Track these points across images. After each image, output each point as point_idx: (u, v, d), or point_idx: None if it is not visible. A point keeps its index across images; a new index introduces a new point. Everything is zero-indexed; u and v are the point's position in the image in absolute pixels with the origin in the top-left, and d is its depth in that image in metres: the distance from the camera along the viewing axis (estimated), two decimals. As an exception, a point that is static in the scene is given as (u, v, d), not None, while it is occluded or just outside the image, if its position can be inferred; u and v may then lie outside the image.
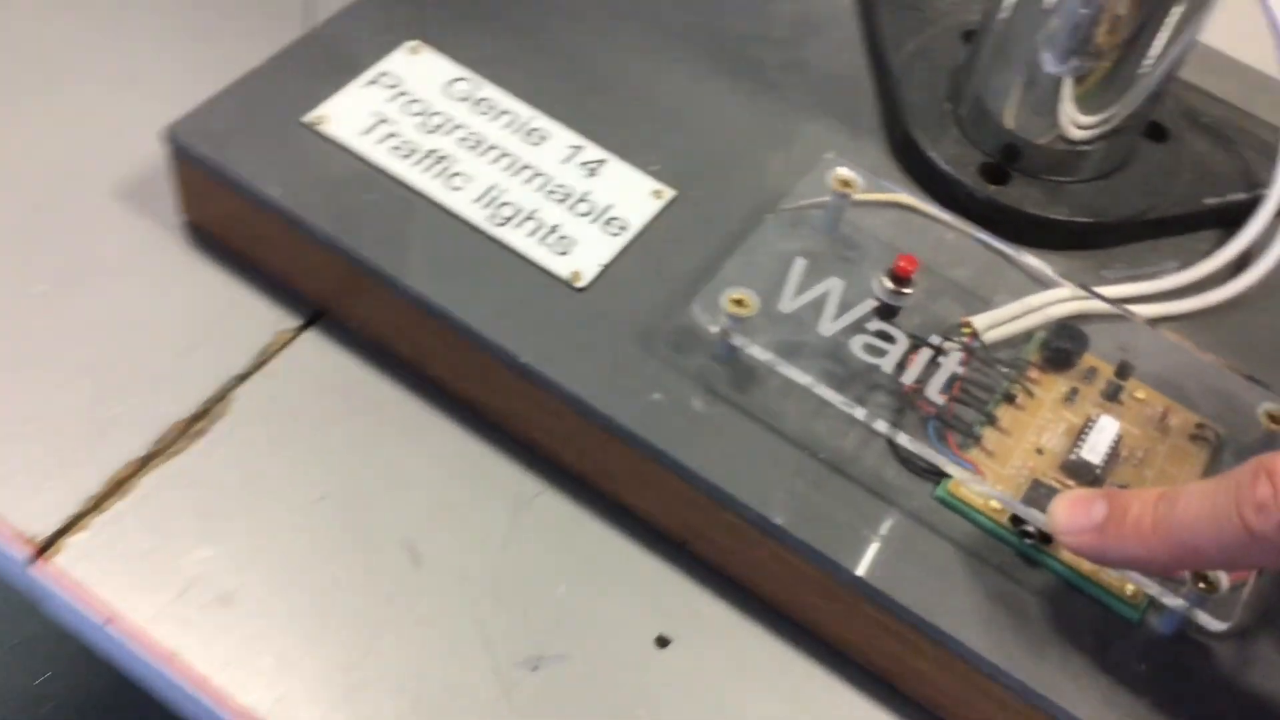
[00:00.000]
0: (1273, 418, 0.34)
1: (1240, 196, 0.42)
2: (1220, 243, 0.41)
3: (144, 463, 0.35)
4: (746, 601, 0.35)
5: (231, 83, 0.39)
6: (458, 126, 0.39)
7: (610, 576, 0.35)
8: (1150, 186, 0.41)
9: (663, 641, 0.34)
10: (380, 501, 0.35)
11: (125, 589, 0.33)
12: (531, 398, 0.35)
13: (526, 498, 0.36)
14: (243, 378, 0.37)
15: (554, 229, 0.37)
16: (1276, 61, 0.40)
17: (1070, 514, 0.30)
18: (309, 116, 0.38)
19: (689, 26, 0.44)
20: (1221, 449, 0.35)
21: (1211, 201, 0.41)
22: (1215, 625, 0.30)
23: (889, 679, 0.34)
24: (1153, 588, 0.31)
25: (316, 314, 0.39)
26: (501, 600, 0.34)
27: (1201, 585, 0.30)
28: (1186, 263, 0.40)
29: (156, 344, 0.37)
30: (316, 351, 0.38)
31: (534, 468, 0.36)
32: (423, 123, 0.39)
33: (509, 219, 0.37)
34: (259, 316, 0.38)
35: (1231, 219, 0.41)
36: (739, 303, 0.34)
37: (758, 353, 0.34)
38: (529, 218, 0.37)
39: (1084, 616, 0.32)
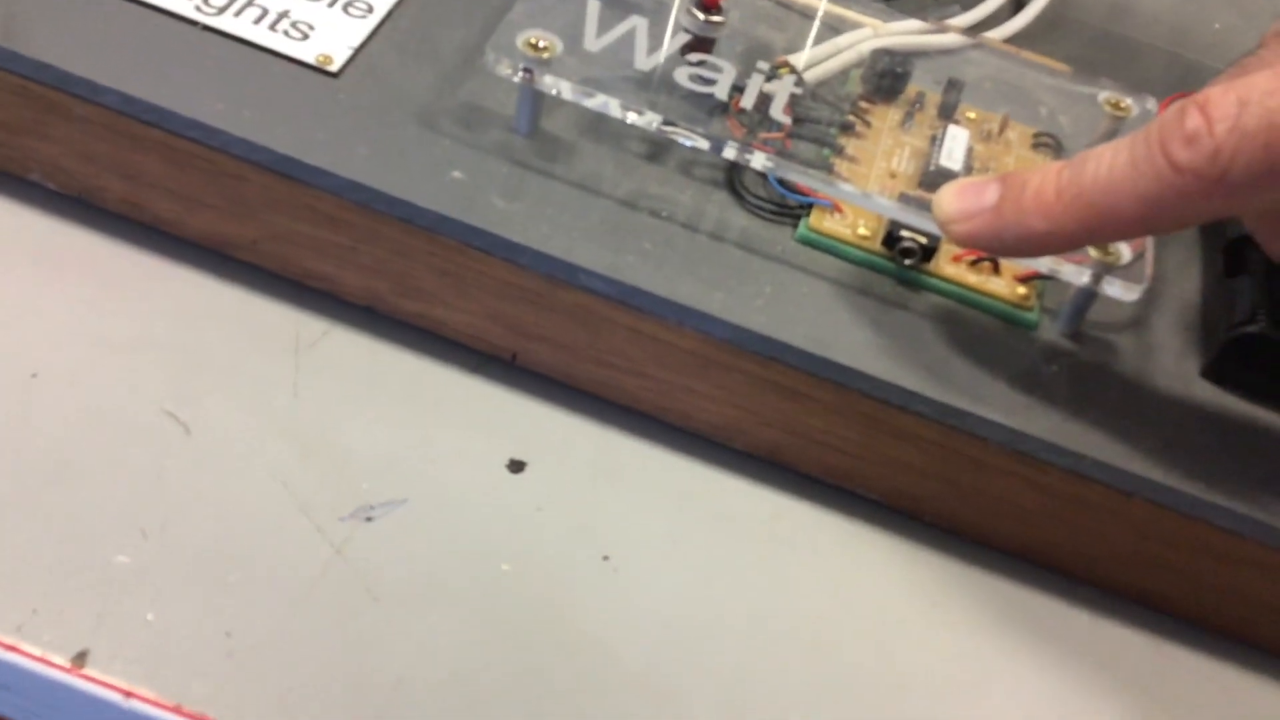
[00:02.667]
0: (1114, 105, 0.32)
1: (1004, -64, 0.40)
2: (995, -15, 0.39)
3: None
4: (601, 408, 0.29)
5: None
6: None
7: (435, 408, 0.28)
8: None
9: (516, 465, 0.28)
10: (119, 375, 0.27)
11: None
12: (296, 206, 0.28)
13: (310, 340, 0.29)
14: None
15: (283, 15, 0.30)
16: None
17: (960, 199, 0.26)
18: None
19: None
20: (1063, 150, 0.32)
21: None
22: (1128, 294, 0.27)
23: (780, 456, 0.29)
24: (1056, 266, 0.27)
25: (-16, 165, 0.30)
26: (308, 455, 0.27)
27: (1105, 256, 0.27)
28: (968, 3, 0.38)
29: None
30: (-6, 211, 0.29)
31: (310, 306, 0.29)
32: (87, -87, 0.31)
33: (223, 9, 0.30)
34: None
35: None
36: (536, 46, 0.28)
37: (573, 94, 0.28)
38: (248, 5, 0.30)
39: (980, 331, 0.29)
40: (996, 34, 0.37)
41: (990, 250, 0.28)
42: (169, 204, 0.29)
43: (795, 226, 0.29)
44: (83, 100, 0.28)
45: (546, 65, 0.28)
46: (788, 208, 0.30)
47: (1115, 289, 0.27)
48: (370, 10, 0.31)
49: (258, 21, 0.30)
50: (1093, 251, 0.27)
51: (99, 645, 0.22)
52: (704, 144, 0.28)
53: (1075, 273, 0.27)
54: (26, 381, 0.26)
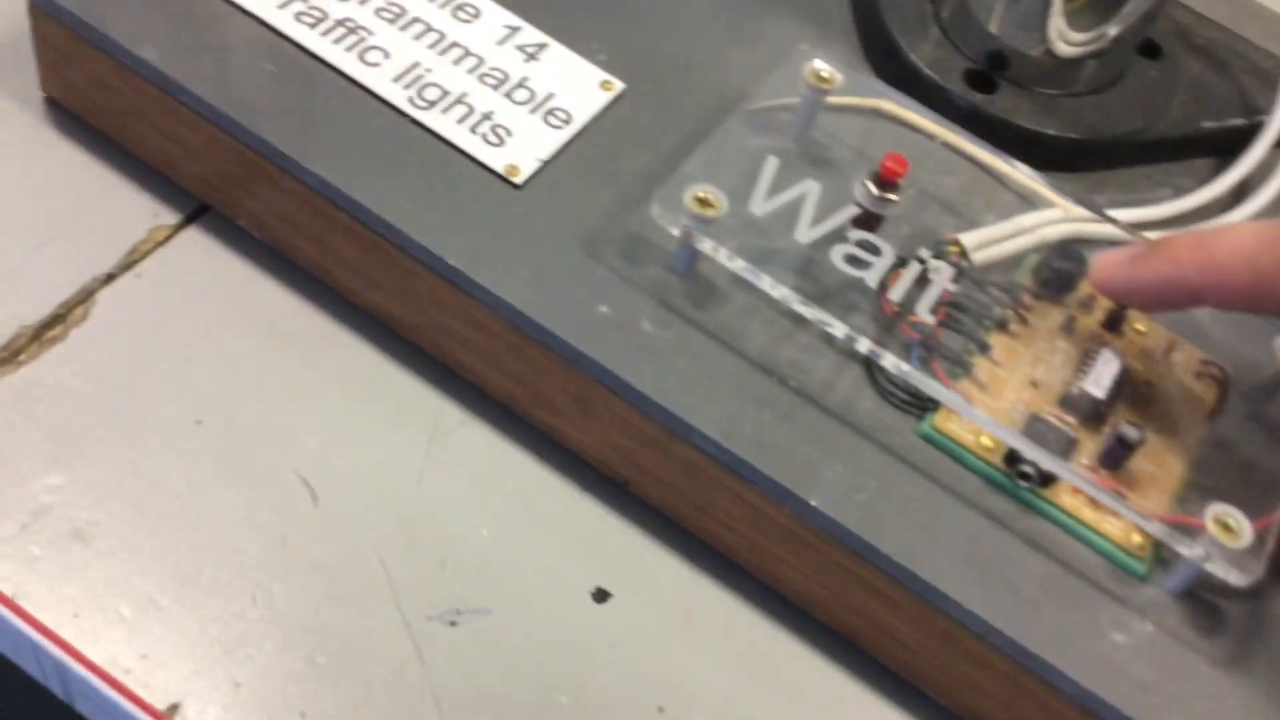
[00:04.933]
0: (1290, 353, 0.30)
1: (1238, 122, 0.38)
2: (1214, 172, 0.38)
3: (-16, 372, 0.29)
4: (697, 550, 0.30)
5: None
6: (375, -4, 0.33)
7: (542, 519, 0.30)
8: (1146, 105, 0.37)
9: (601, 595, 0.29)
10: (270, 428, 0.30)
11: (-45, 521, 0.27)
12: (457, 308, 0.30)
13: (446, 428, 0.31)
14: (109, 278, 0.31)
15: (487, 116, 0.32)
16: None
17: (1111, 252, 0.29)
18: (198, -25, 0.33)
19: (642, -94, 0.39)
20: (1229, 388, 0.31)
21: (1209, 125, 0.38)
22: (1238, 579, 0.27)
23: (858, 640, 0.29)
24: (1168, 533, 0.27)
25: (200, 208, 0.33)
26: (414, 544, 0.29)
27: (1223, 532, 0.26)
28: (1180, 190, 0.37)
29: (7, 237, 0.31)
30: (199, 251, 0.32)
31: (456, 393, 0.31)
32: (334, -11, 0.33)
33: (434, 102, 0.32)
34: (131, 208, 0.32)
35: (1227, 146, 0.38)
36: (704, 201, 0.29)
37: (725, 259, 0.29)
38: (458, 102, 0.32)
39: (1084, 570, 0.28)
40: (1212, 227, 0.36)
41: (1125, 295, 0.30)
42: (349, 276, 0.32)
43: (921, 418, 0.30)
44: (287, 174, 0.30)
45: (707, 225, 0.29)
46: (918, 398, 0.30)
47: (1223, 571, 0.27)
48: (568, 120, 0.33)
49: (462, 120, 0.32)
50: (1211, 525, 0.27)
51: (190, 700, 0.25)
52: (839, 332, 0.29)
53: (1187, 545, 0.27)
54: (189, 427, 0.29)
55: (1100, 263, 0.30)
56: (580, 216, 0.31)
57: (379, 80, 0.32)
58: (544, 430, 0.31)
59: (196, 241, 0.32)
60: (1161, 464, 0.29)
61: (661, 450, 0.29)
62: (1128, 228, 0.33)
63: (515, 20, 0.34)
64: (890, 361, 0.29)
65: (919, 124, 0.34)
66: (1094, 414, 0.29)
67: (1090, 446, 0.29)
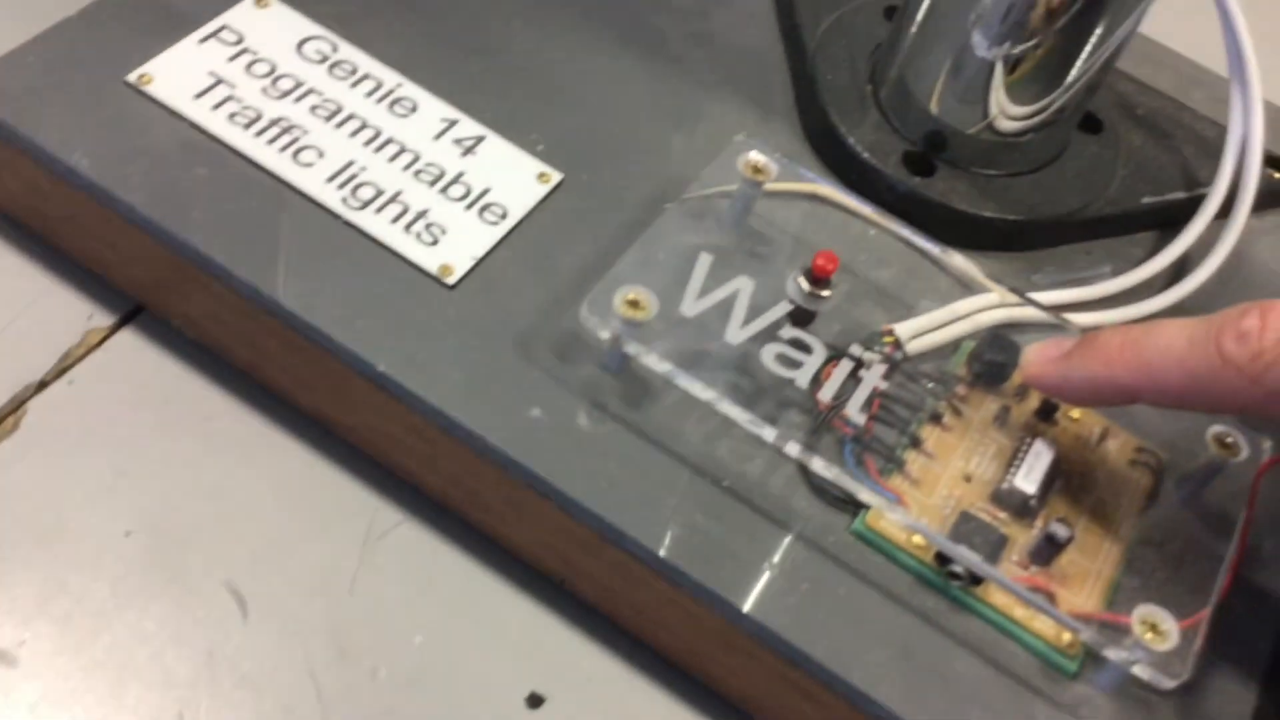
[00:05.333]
0: (1222, 443, 0.30)
1: (1179, 196, 0.38)
2: (1156, 246, 0.38)
3: (-87, 486, 0.29)
4: (633, 651, 0.30)
5: (40, 33, 0.33)
6: (310, 92, 0.34)
7: (477, 622, 0.30)
8: (1086, 183, 0.37)
9: (535, 700, 0.29)
10: (202, 536, 0.30)
11: (-120, 642, 0.27)
12: (390, 412, 0.30)
13: (381, 529, 0.31)
14: (40, 386, 0.31)
15: (421, 215, 0.32)
16: (1227, 62, 0.37)
17: (1042, 348, 0.29)
18: (132, 75, 0.33)
19: (582, -10, 0.39)
20: (1164, 475, 0.31)
21: (1150, 200, 0.38)
22: (1164, 682, 0.26)
23: (797, 738, 0.29)
24: (1094, 637, 0.27)
25: (136, 309, 0.33)
26: (346, 655, 0.29)
27: (1149, 634, 0.26)
28: (1121, 267, 0.37)
29: (-61, 341, 0.31)
30: (132, 354, 0.32)
31: (392, 493, 0.31)
32: (268, 87, 0.33)
33: (368, 202, 0.32)
34: (66, 312, 0.32)
35: (1169, 220, 0.38)
36: (634, 304, 0.29)
37: (654, 362, 0.29)
38: (393, 200, 0.32)
39: (1015, 668, 0.28)
40: (1152, 304, 0.36)
41: (1058, 391, 0.29)
42: (283, 377, 0.32)
43: (855, 515, 0.30)
44: (217, 280, 0.30)
45: (637, 328, 0.29)
46: (852, 495, 0.30)
47: (1149, 675, 0.27)
48: (504, 215, 0.33)
49: (396, 220, 0.32)
50: (1137, 627, 0.27)
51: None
52: (769, 436, 0.29)
53: (1113, 648, 0.27)
54: (118, 539, 0.29)
55: (1033, 358, 0.30)
56: (514, 315, 0.31)
57: (312, 181, 0.32)
58: (481, 530, 0.31)
59: (130, 344, 0.32)
60: (1094, 557, 0.29)
61: (595, 553, 0.29)
62: (1059, 316, 0.33)
63: (453, 113, 0.34)
64: (819, 465, 0.29)
65: (854, 210, 0.34)
66: (1025, 509, 0.29)
67: (1022, 541, 0.29)
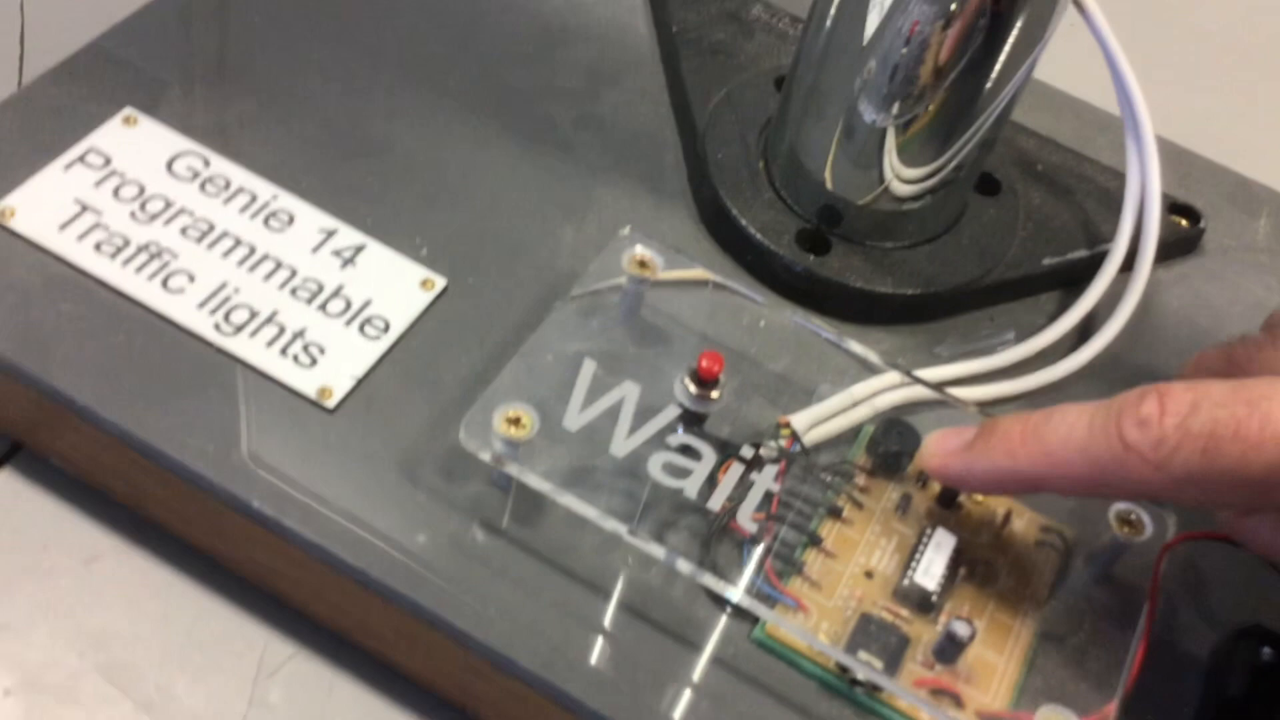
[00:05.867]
0: (1126, 521, 0.30)
1: (1081, 254, 0.38)
2: (1062, 306, 0.37)
3: None
4: (543, 772, 0.29)
5: (-103, 169, 0.32)
6: (181, 212, 0.33)
7: (377, 756, 0.29)
8: (984, 249, 0.37)
9: (440, 835, 0.28)
10: (85, 690, 0.29)
11: None
12: (270, 546, 0.29)
13: (274, 664, 0.30)
14: (-91, 537, 0.30)
15: (299, 335, 0.31)
16: (1117, 99, 0.36)
17: (942, 438, 0.29)
18: (-5, 208, 0.32)
19: (466, 80, 0.39)
20: (1072, 553, 0.31)
21: (1051, 262, 0.37)
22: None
23: None
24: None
25: (13, 448, 0.32)
26: (239, 802, 0.28)
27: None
28: (1026, 333, 0.36)
29: None
30: (11, 496, 0.31)
31: (284, 625, 0.30)
32: (137, 211, 0.32)
33: (241, 326, 0.31)
34: (-61, 455, 0.31)
35: (1075, 278, 0.38)
36: (515, 422, 0.28)
37: (536, 482, 0.28)
38: (268, 322, 0.31)
39: (928, 775, 0.27)
40: (1059, 369, 0.35)
41: (960, 483, 0.29)
42: (164, 513, 0.31)
43: (756, 623, 0.29)
44: (85, 421, 0.29)
45: (517, 448, 0.28)
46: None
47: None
48: (386, 329, 0.32)
49: (271, 343, 0.31)
50: (1045, 732, 0.26)
51: None
52: (657, 554, 0.28)
53: (1020, 756, 0.26)
54: (-1, 695, 0.28)
55: (933, 449, 0.29)
56: (398, 435, 0.30)
57: (183, 309, 0.31)
58: (379, 658, 0.30)
59: (8, 485, 0.31)
60: (1001, 651, 0.29)
61: (491, 680, 0.28)
62: (953, 397, 0.32)
63: (332, 222, 0.34)
64: (711, 580, 0.28)
65: (746, 295, 0.34)
66: (927, 605, 0.29)
67: (927, 639, 0.28)
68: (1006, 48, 0.32)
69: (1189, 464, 0.24)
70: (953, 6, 0.31)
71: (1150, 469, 0.25)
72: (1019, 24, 0.31)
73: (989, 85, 0.33)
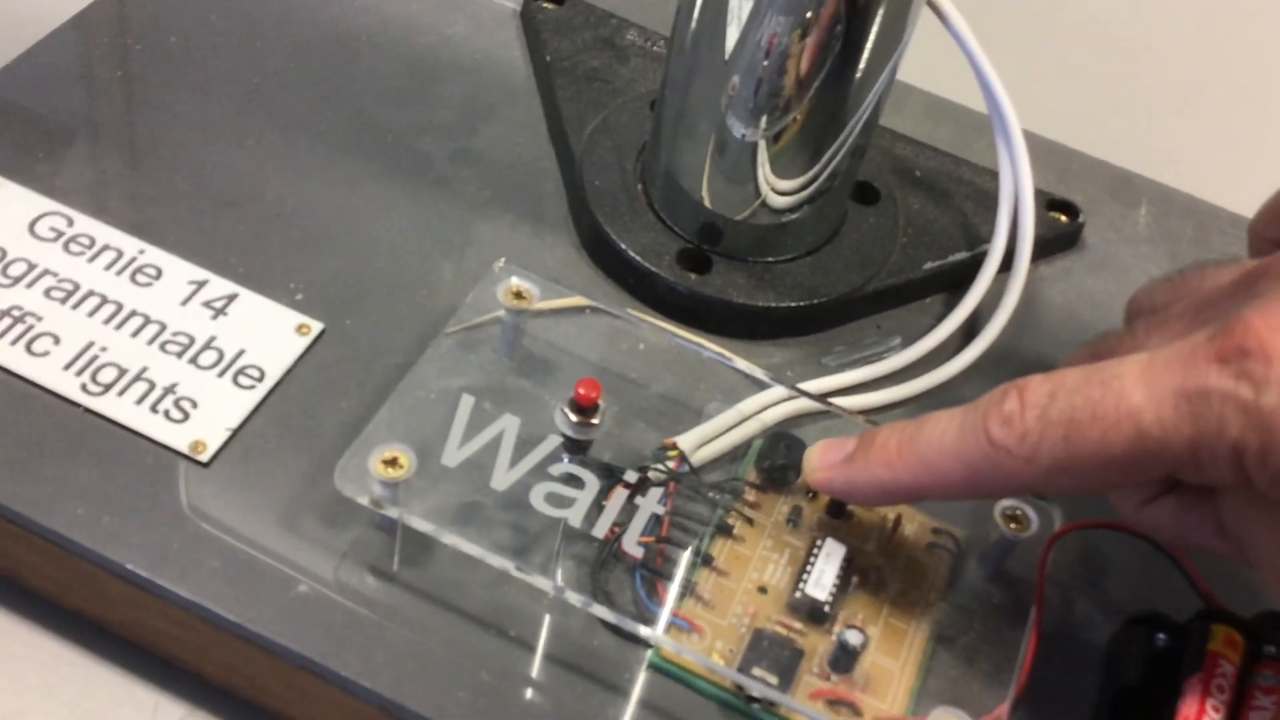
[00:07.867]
0: (1010, 518, 0.30)
1: (962, 256, 0.38)
2: (946, 309, 0.38)
3: None
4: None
5: None
6: (45, 274, 0.32)
7: (274, 815, 0.28)
8: (865, 258, 0.37)
9: None
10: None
11: None
12: (151, 608, 0.28)
13: (165, 727, 0.29)
14: None
15: (170, 390, 0.31)
16: (984, 99, 0.37)
17: (823, 452, 0.29)
18: None
19: (339, 122, 0.38)
20: (963, 554, 0.31)
21: (932, 266, 0.38)
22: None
23: None
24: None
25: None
26: None
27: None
28: (912, 337, 0.37)
29: None
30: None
31: (173, 685, 0.30)
32: (-2, 275, 0.32)
33: (109, 385, 0.30)
34: None
35: (958, 281, 0.38)
36: (391, 463, 0.28)
37: (418, 523, 0.28)
38: (137, 379, 0.31)
39: (829, 787, 0.27)
40: (946, 370, 0.36)
41: (845, 496, 0.29)
42: (41, 581, 0.30)
43: (651, 648, 0.29)
44: (-47, 494, 0.28)
45: (395, 490, 0.28)
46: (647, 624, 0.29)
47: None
48: (261, 378, 0.31)
49: (141, 400, 0.30)
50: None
51: None
52: (546, 586, 0.28)
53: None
54: None
55: (815, 463, 0.29)
56: (276, 485, 0.30)
57: (48, 371, 0.30)
58: (272, 714, 0.29)
59: (-125, 567, 0.30)
60: (896, 655, 0.29)
61: (385, 728, 0.28)
62: (839, 409, 0.33)
63: (201, 274, 0.33)
64: (602, 611, 0.28)
65: (626, 319, 0.33)
66: (820, 616, 0.29)
67: (823, 650, 0.28)
68: (866, 53, 0.32)
69: (1054, 453, 0.25)
70: (808, 15, 0.31)
71: (1020, 464, 0.25)
72: (875, 28, 0.32)
73: (853, 91, 0.33)
